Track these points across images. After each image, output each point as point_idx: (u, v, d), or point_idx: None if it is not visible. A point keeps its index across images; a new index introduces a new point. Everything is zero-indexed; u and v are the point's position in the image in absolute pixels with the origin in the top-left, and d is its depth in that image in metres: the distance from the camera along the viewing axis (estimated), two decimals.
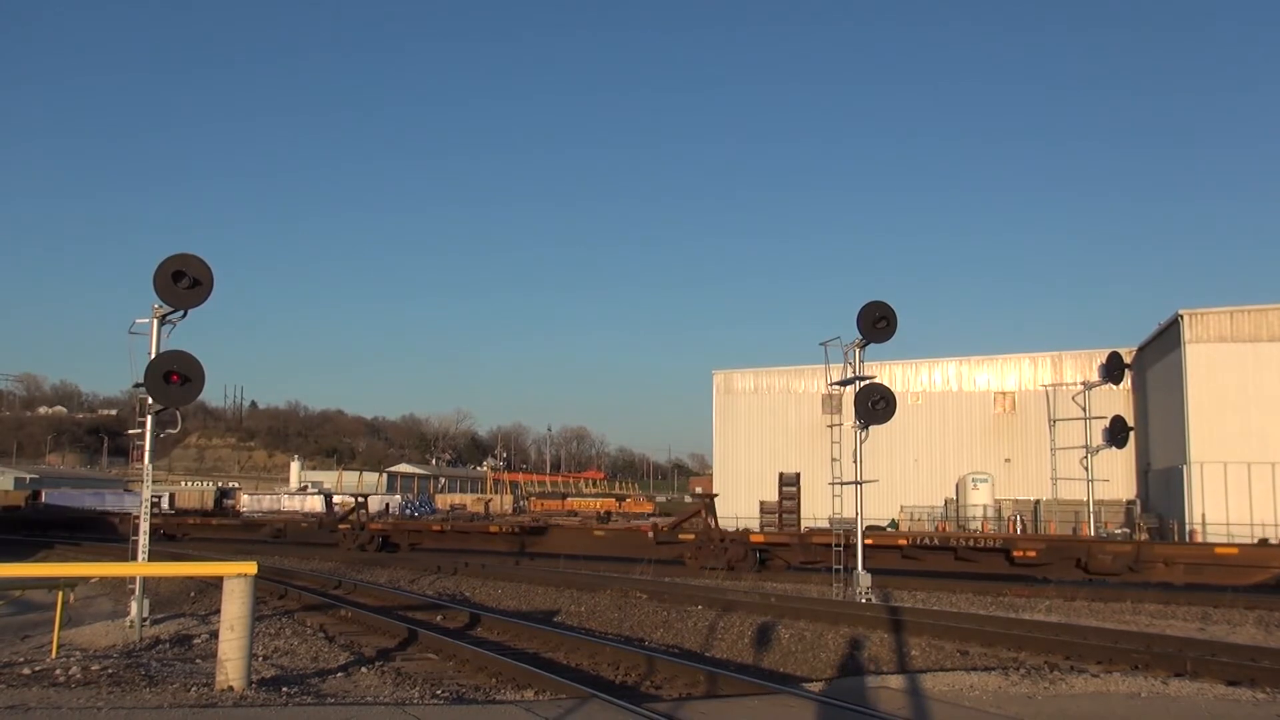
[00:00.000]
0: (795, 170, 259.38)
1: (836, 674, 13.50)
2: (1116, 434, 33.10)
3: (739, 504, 58.03)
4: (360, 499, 40.36)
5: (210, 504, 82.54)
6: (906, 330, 44.72)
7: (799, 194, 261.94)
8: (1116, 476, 49.48)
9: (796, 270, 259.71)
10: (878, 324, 21.04)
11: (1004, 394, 57.01)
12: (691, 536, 28.99)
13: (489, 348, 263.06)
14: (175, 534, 45.75)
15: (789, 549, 28.14)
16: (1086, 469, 31.31)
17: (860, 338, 21.26)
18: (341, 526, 39.20)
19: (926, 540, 27.87)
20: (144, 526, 15.96)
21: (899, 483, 53.72)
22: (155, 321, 16.06)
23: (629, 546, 31.34)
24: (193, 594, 20.91)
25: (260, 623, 15.07)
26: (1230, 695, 10.58)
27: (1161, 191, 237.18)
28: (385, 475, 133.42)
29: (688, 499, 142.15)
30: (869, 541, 24.56)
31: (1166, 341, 48.51)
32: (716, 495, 28.61)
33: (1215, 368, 44.85)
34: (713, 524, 28.79)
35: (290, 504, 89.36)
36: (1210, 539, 39.52)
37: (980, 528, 49.13)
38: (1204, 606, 19.29)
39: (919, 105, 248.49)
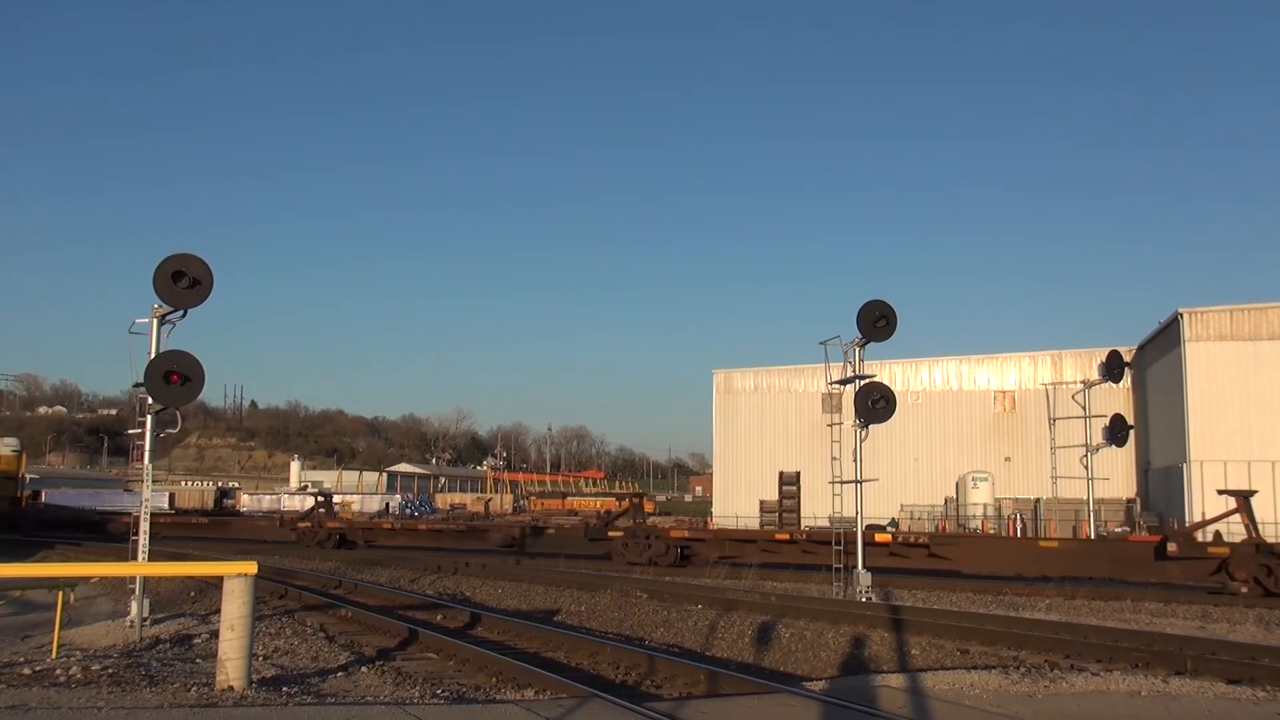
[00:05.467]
0: (795, 170, 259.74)
1: (837, 673, 13.48)
2: (1116, 433, 33.02)
3: (739, 503, 58.11)
4: (635, 497, 30.66)
5: (210, 504, 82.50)
6: (906, 330, 44.67)
7: (798, 194, 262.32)
8: (1117, 475, 49.48)
9: (796, 270, 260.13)
10: (877, 323, 21.04)
11: (1004, 393, 57.02)
12: (1226, 550, 20.82)
13: (489, 348, 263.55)
14: (356, 540, 37.11)
15: None
16: (1086, 468, 31.26)
17: (860, 337, 21.25)
18: (612, 534, 29.35)
19: None
20: (144, 526, 15.94)
21: (899, 482, 53.71)
22: (155, 321, 16.02)
23: (1104, 564, 23.73)
24: (193, 594, 20.87)
25: (260, 622, 15.06)
26: (1230, 693, 10.58)
27: (1161, 191, 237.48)
28: (385, 475, 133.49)
29: (687, 498, 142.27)
30: None
31: (1166, 340, 48.52)
32: (1255, 492, 21.92)
33: (1215, 366, 44.87)
34: (1253, 530, 21.33)
35: (290, 504, 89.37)
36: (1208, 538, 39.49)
37: (981, 527, 49.07)
38: (1204, 605, 19.32)
39: (919, 105, 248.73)
